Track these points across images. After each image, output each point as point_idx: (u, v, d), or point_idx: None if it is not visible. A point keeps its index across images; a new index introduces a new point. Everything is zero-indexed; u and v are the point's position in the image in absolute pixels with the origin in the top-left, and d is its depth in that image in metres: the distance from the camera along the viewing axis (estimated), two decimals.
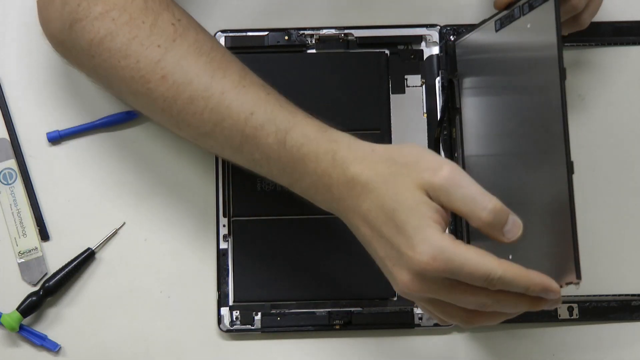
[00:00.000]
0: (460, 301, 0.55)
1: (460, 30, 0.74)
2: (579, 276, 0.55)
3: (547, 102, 0.59)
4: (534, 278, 0.54)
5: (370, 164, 0.57)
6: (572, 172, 0.57)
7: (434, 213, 0.55)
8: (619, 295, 0.72)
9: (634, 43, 0.75)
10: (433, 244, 0.53)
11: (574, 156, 0.57)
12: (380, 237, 0.56)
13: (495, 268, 0.53)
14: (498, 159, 0.67)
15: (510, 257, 0.59)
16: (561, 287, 0.55)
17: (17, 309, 0.71)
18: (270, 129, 0.60)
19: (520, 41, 0.63)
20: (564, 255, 0.56)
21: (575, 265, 0.55)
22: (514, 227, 0.56)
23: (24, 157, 0.74)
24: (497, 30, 0.66)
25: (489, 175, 0.67)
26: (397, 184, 0.56)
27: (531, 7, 0.62)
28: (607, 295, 0.72)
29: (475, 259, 0.53)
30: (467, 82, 0.71)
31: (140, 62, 0.61)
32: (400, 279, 0.55)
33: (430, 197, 0.55)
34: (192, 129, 0.62)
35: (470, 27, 0.72)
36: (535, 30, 0.61)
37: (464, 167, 0.70)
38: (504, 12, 0.65)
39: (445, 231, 0.55)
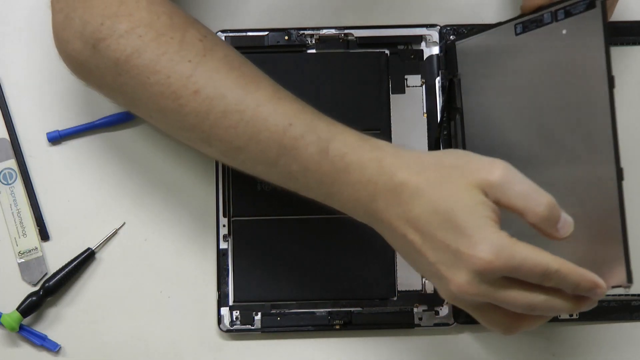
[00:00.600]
0: (514, 301, 0.56)
1: (461, 30, 0.73)
2: (630, 280, 0.57)
3: (588, 108, 0.60)
4: (586, 274, 0.56)
5: (418, 169, 0.57)
6: (622, 179, 0.58)
7: (491, 212, 0.55)
8: (619, 295, 0.72)
9: (634, 43, 0.75)
10: (495, 242, 0.54)
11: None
12: (432, 241, 0.56)
13: (552, 262, 0.54)
14: (518, 160, 0.67)
15: None
16: None
17: (17, 309, 0.71)
18: (311, 138, 0.59)
19: (552, 46, 0.64)
20: (610, 258, 0.58)
21: (626, 269, 0.57)
22: (566, 223, 0.57)
23: (24, 157, 0.74)
24: (517, 34, 0.66)
25: None
26: (451, 186, 0.56)
27: (568, 14, 0.62)
28: (607, 295, 0.72)
29: (533, 254, 0.54)
30: (473, 82, 0.70)
31: (171, 78, 0.60)
32: (457, 281, 0.55)
33: (486, 196, 0.56)
34: (223, 144, 0.61)
35: (470, 27, 0.73)
36: (573, 37, 0.62)
37: None
38: (528, 17, 0.65)
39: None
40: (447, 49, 0.73)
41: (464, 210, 0.55)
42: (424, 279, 0.72)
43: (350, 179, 0.59)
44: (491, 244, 0.54)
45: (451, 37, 0.73)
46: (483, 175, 0.56)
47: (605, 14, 0.59)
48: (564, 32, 0.63)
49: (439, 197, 0.56)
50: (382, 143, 0.59)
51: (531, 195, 0.56)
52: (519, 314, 0.57)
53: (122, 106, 0.70)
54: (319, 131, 0.60)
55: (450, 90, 0.72)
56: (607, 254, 0.58)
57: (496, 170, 0.56)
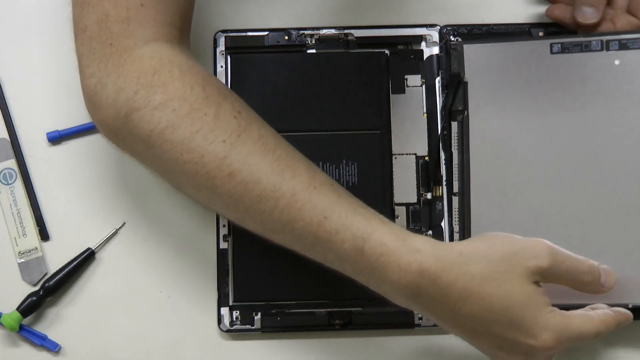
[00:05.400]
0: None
1: (461, 30, 0.73)
2: None
3: (633, 129, 0.64)
4: (623, 316, 0.62)
5: (462, 268, 0.58)
6: None
7: (543, 297, 0.58)
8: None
9: None
10: (554, 329, 0.58)
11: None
12: (486, 333, 0.59)
13: (600, 328, 0.60)
14: (529, 172, 0.68)
15: None
16: None
17: (17, 309, 0.71)
18: (345, 235, 0.59)
19: (597, 73, 0.65)
20: None
21: None
22: (607, 276, 0.62)
23: (24, 157, 0.74)
24: (553, 53, 0.66)
25: (524, 180, 0.68)
26: (504, 283, 0.58)
27: (623, 47, 0.64)
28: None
29: (585, 325, 0.60)
30: (482, 88, 0.70)
31: (204, 157, 0.59)
32: None
33: (536, 282, 0.58)
34: (258, 226, 0.61)
35: (470, 27, 0.73)
36: (628, 69, 0.64)
37: (468, 165, 0.70)
38: (571, 39, 0.66)
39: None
40: (452, 49, 0.72)
41: (521, 305, 0.58)
42: None
43: (389, 278, 0.58)
44: (552, 332, 0.58)
45: (451, 37, 0.73)
46: (534, 264, 0.58)
47: None
48: (617, 62, 0.63)
49: (492, 294, 0.57)
50: (420, 242, 0.58)
51: (577, 268, 0.60)
52: None
53: (155, 174, 0.68)
54: (354, 229, 0.59)
55: (455, 91, 0.71)
56: None
57: (544, 255, 0.58)
